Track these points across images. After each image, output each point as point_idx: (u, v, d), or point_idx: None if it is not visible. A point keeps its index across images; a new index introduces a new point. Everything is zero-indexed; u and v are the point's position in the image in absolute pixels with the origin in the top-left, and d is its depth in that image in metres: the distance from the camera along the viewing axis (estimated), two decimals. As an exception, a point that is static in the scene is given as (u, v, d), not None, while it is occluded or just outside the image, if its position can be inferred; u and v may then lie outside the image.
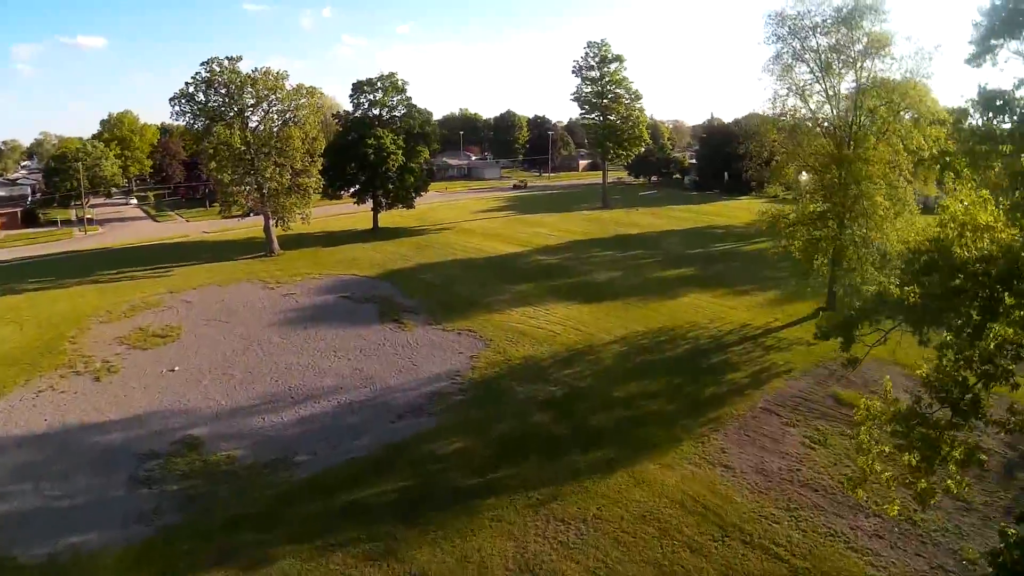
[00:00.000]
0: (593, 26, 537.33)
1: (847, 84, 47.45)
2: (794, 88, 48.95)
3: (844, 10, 45.84)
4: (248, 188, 71.91)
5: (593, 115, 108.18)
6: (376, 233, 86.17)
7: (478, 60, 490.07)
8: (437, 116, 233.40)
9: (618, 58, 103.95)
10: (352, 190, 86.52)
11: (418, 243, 79.62)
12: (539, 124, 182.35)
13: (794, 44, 48.18)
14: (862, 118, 46.54)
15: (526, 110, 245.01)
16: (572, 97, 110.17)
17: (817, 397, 36.15)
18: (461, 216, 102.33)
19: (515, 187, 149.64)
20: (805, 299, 52.57)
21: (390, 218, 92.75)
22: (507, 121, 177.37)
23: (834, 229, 49.01)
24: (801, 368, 39.84)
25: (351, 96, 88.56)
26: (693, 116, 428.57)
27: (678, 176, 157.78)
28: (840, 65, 46.91)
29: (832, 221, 49.33)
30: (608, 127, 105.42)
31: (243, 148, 69.09)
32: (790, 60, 48.65)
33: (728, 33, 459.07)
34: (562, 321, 48.86)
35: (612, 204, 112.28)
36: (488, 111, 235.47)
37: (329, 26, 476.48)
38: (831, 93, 47.63)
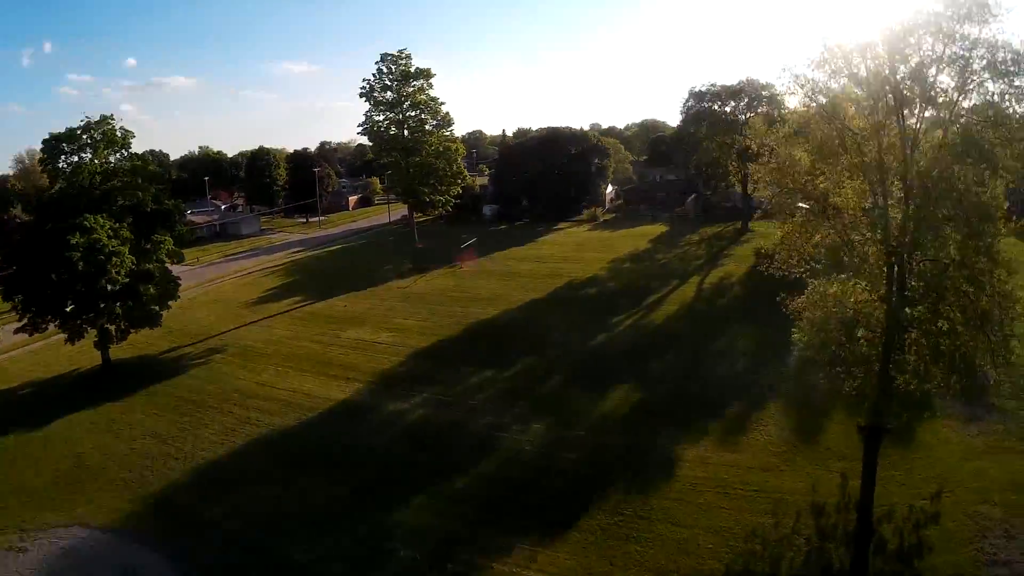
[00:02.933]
0: (355, 46, 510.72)
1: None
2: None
3: None
4: None
5: (391, 151, 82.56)
6: (109, 377, 53.54)
7: (217, 91, 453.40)
8: (174, 157, 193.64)
9: (424, 73, 79.85)
10: (60, 319, 51.77)
11: (179, 398, 48.43)
12: (301, 160, 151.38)
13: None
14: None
15: (284, 144, 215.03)
16: (360, 129, 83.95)
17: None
18: (231, 316, 70.02)
19: None
20: (816, 411, 38.07)
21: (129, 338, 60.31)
22: (261, 160, 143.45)
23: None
24: None
25: (43, 161, 56.11)
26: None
27: (467, 204, 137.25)
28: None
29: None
30: (418, 167, 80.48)
31: None
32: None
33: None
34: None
35: (426, 262, 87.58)
36: (234, 148, 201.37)
37: (51, 63, 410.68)
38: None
